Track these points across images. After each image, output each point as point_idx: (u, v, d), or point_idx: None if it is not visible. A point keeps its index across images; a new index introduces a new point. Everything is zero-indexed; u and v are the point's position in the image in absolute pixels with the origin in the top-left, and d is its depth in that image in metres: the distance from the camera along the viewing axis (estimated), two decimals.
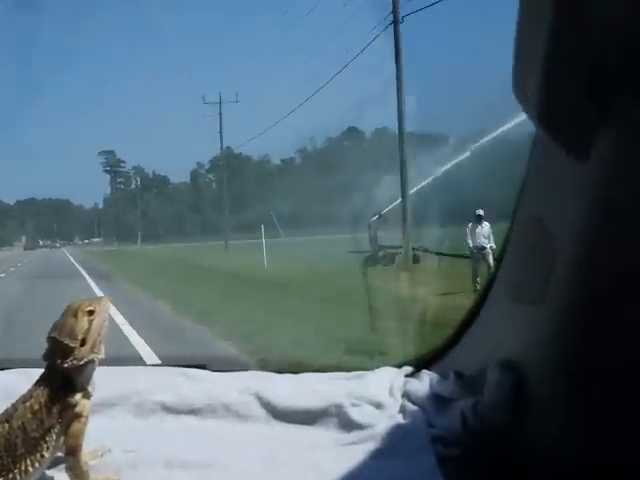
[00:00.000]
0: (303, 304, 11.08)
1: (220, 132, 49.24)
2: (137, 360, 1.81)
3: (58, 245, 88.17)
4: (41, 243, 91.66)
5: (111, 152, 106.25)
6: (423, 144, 21.58)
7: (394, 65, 18.57)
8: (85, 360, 1.04)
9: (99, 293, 11.83)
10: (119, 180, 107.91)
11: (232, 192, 58.74)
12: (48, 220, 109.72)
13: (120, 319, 9.37)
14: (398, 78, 18.54)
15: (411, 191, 16.75)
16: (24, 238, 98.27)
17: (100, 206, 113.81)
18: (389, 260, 15.73)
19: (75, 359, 1.03)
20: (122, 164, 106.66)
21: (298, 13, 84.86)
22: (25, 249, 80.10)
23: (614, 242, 0.79)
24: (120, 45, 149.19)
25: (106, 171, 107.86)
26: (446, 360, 1.38)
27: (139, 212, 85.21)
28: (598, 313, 0.83)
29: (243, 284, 14.79)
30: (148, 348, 7.64)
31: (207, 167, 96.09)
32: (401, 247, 15.84)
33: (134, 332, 8.92)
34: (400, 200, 17.07)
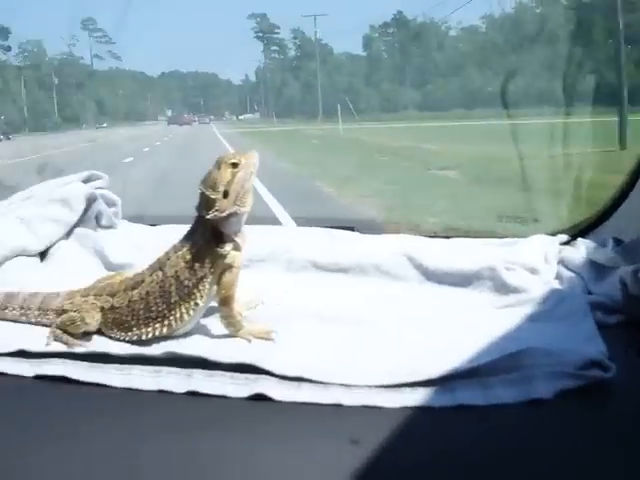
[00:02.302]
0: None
1: None
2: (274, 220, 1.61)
3: (207, 121, 69.88)
4: (186, 117, 72.59)
5: (262, 15, 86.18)
6: None
7: None
8: (227, 212, 1.04)
9: None
10: (273, 48, 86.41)
11: (411, 64, 50.80)
12: (194, 94, 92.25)
13: None
14: None
15: None
16: (169, 112, 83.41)
17: (252, 79, 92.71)
18: None
19: (217, 210, 1.04)
20: (276, 30, 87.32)
21: None
22: (169, 124, 64.85)
23: None
24: None
25: (257, 38, 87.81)
26: (603, 228, 1.37)
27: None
28: None
29: None
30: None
31: (377, 33, 76.75)
32: None
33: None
34: None
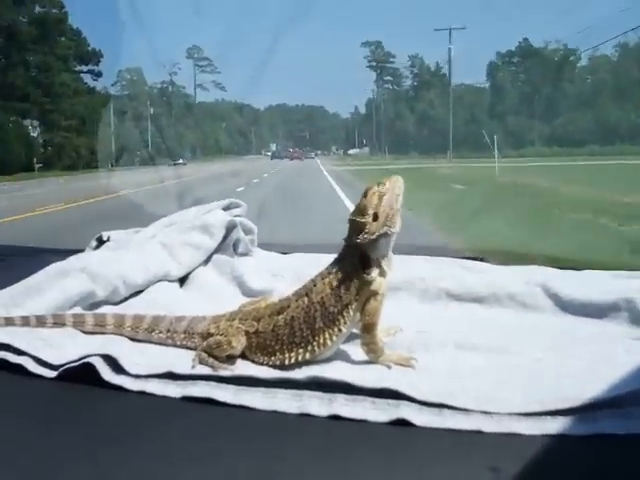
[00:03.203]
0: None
1: None
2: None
3: (313, 156, 72.75)
4: (293, 151, 75.17)
5: (377, 43, 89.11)
6: None
7: None
8: (377, 234, 1.08)
9: None
10: (387, 78, 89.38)
11: (540, 95, 50.67)
12: (300, 127, 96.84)
13: None
14: None
15: None
16: (273, 146, 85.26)
17: (362, 111, 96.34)
18: None
19: (367, 233, 1.07)
20: (391, 59, 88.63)
21: None
22: (272, 158, 67.57)
23: None
24: None
25: (370, 67, 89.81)
26: None
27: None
28: None
29: None
30: None
31: (501, 62, 77.29)
32: None
33: None
34: None
